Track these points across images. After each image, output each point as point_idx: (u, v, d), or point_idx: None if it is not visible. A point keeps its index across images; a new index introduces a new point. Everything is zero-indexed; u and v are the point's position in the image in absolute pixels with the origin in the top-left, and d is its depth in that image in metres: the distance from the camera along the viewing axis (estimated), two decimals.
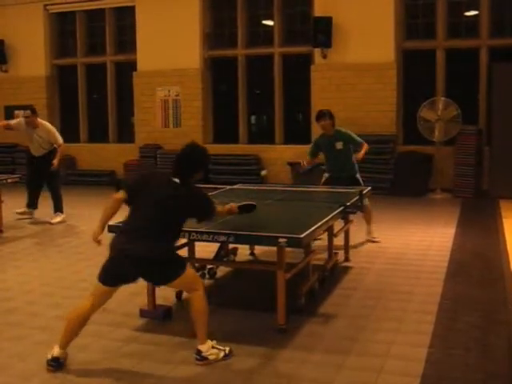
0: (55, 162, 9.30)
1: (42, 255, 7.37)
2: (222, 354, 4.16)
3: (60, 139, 9.48)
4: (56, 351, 4.03)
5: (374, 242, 7.65)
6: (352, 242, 7.16)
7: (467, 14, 12.27)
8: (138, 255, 3.96)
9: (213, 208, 4.33)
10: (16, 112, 13.94)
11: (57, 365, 4.01)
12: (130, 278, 4.13)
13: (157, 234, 4.02)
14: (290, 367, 4.05)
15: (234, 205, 4.68)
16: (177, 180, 4.14)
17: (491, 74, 11.49)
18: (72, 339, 4.08)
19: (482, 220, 9.32)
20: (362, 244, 7.61)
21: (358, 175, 7.68)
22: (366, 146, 7.57)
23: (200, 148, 4.39)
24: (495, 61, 11.63)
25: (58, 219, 9.36)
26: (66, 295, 5.68)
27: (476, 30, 11.97)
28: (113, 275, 4.07)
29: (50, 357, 4.02)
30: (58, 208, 9.48)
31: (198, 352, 4.11)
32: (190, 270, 4.23)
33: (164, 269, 4.08)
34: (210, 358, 4.11)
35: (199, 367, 4.05)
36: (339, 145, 7.56)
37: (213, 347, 4.16)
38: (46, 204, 9.57)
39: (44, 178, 9.44)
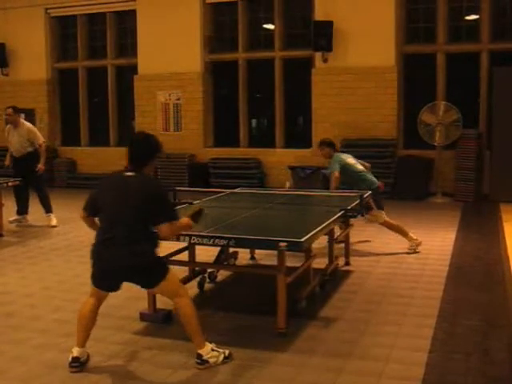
0: (41, 166, 9.30)
1: (42, 259, 7.37)
2: (222, 357, 4.14)
3: (41, 138, 9.49)
4: (75, 351, 4.07)
5: (412, 252, 7.34)
6: (352, 246, 7.15)
7: (468, 18, 12.27)
8: (119, 264, 3.95)
9: (174, 209, 4.24)
10: None
11: (78, 364, 4.04)
12: (119, 284, 4.15)
13: (132, 237, 3.94)
14: (290, 371, 4.05)
15: (185, 218, 4.23)
16: (129, 173, 4.06)
17: (492, 77, 11.50)
18: (87, 336, 4.13)
19: (483, 224, 9.31)
20: (363, 248, 7.61)
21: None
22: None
23: (150, 135, 4.31)
24: (496, 65, 11.63)
25: (55, 220, 9.36)
26: (66, 298, 5.68)
27: (477, 34, 11.98)
28: (102, 284, 4.11)
29: (70, 359, 4.04)
30: (49, 209, 9.47)
31: (199, 356, 4.09)
32: (173, 275, 4.19)
33: (148, 272, 4.04)
34: (211, 360, 4.09)
35: (199, 371, 4.05)
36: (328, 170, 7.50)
37: (212, 350, 4.14)
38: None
39: (28, 179, 9.26)
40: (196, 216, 4.23)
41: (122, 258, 3.92)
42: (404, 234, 7.46)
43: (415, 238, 7.43)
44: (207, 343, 4.15)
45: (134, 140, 4.34)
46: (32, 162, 9.29)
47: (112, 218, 4.02)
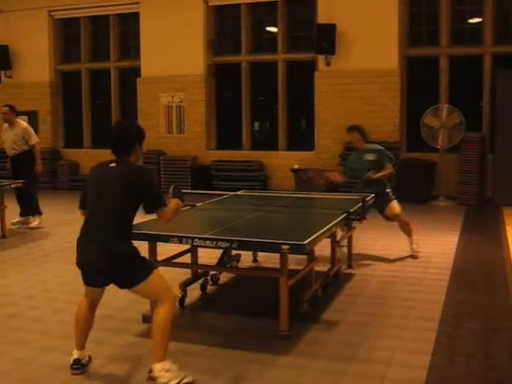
0: (38, 167, 9.33)
1: (44, 260, 7.38)
2: (175, 381, 3.72)
3: (35, 137, 9.49)
4: (75, 353, 4.03)
5: (414, 256, 7.29)
6: (355, 250, 7.15)
7: (471, 21, 12.28)
8: (93, 263, 3.79)
9: (161, 195, 4.01)
10: None
11: (80, 366, 4.01)
12: (100, 283, 3.96)
13: (116, 232, 3.77)
14: (292, 374, 4.04)
15: (173, 200, 4.16)
16: (113, 164, 3.95)
17: (495, 81, 11.50)
18: (85, 338, 4.07)
19: (486, 227, 9.30)
20: (365, 251, 7.60)
21: (388, 189, 7.33)
22: (389, 171, 7.25)
23: (131, 122, 4.26)
24: (499, 68, 11.64)
25: (36, 222, 9.36)
26: (68, 300, 5.68)
27: (480, 37, 11.98)
28: (86, 279, 3.95)
29: (71, 361, 4.02)
30: (35, 211, 9.46)
31: (151, 370, 3.79)
32: (157, 277, 3.88)
33: (123, 271, 3.77)
34: (159, 381, 3.73)
35: (201, 373, 4.04)
36: (370, 157, 7.20)
37: (167, 371, 3.74)
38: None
39: (21, 179, 9.17)
40: (177, 195, 4.19)
41: (96, 254, 3.74)
42: (408, 234, 7.42)
43: (417, 247, 7.38)
44: (166, 361, 3.78)
45: (114, 128, 4.25)
46: (26, 161, 9.32)
47: (92, 211, 3.91)
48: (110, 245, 3.74)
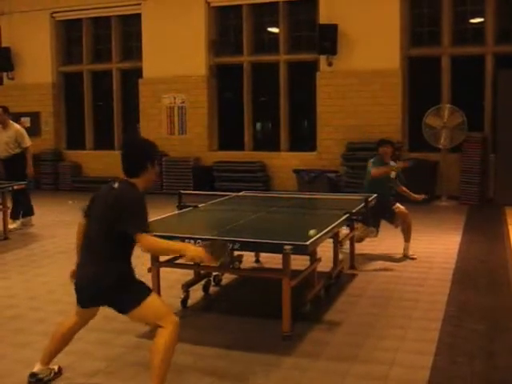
0: (29, 170, 9.29)
1: (47, 261, 7.39)
2: None
3: (28, 141, 9.45)
4: (37, 367, 3.88)
5: (411, 258, 7.30)
6: (357, 250, 7.14)
7: (473, 21, 12.27)
8: (85, 284, 3.65)
9: (142, 218, 3.57)
10: None
11: (35, 381, 3.84)
12: (88, 304, 3.79)
13: (103, 255, 3.60)
14: (294, 374, 4.04)
15: (191, 247, 3.69)
16: (116, 185, 3.67)
17: (497, 80, 11.49)
18: (54, 355, 3.92)
19: (488, 227, 9.29)
20: (367, 251, 7.60)
21: (391, 204, 7.47)
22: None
23: (143, 138, 3.89)
24: (501, 68, 11.63)
25: (15, 225, 9.28)
26: (70, 301, 5.62)
27: (481, 36, 11.97)
28: (79, 300, 3.77)
29: (29, 373, 3.87)
30: (17, 214, 9.39)
31: None
32: (153, 301, 3.63)
33: (116, 295, 3.58)
34: None
35: (204, 374, 4.04)
36: (393, 173, 7.43)
37: None
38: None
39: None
40: (215, 251, 3.61)
41: (86, 275, 3.64)
42: (407, 238, 7.43)
43: (412, 253, 7.39)
44: None
45: (124, 146, 3.98)
46: (18, 163, 9.29)
47: (87, 232, 3.76)
48: (97, 268, 3.59)
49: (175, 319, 3.59)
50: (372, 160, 7.44)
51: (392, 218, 7.37)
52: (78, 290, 3.73)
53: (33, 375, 3.86)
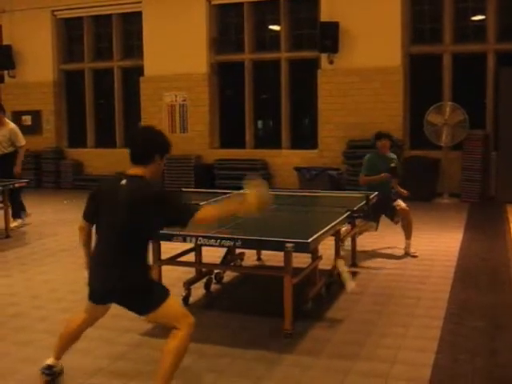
0: (17, 168, 9.25)
1: (49, 260, 7.39)
2: None
3: (22, 140, 9.40)
4: (50, 360, 3.88)
5: (413, 256, 7.31)
6: (359, 247, 7.15)
7: (474, 18, 12.26)
8: (103, 288, 3.57)
9: (184, 204, 3.62)
10: None
11: (49, 373, 3.84)
12: (105, 301, 3.73)
13: (121, 257, 3.52)
14: (297, 372, 4.05)
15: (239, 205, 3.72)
16: (123, 181, 3.56)
17: (498, 78, 11.48)
18: (65, 350, 3.91)
19: (489, 225, 9.29)
20: (369, 249, 7.61)
21: (393, 194, 7.56)
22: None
23: (158, 130, 3.77)
24: (502, 65, 11.62)
25: (16, 224, 9.26)
26: (73, 299, 5.69)
27: (483, 34, 11.95)
28: (93, 298, 3.70)
29: (44, 365, 3.85)
30: (17, 213, 9.37)
31: None
32: (172, 305, 3.60)
33: (137, 298, 3.54)
34: None
35: (206, 372, 4.05)
36: (393, 164, 7.42)
37: None
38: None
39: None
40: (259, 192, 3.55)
41: (107, 280, 3.53)
42: (408, 236, 7.43)
43: (414, 251, 7.40)
44: None
45: (137, 133, 3.90)
46: (10, 162, 9.25)
47: (103, 232, 3.63)
48: (119, 270, 3.49)
49: (192, 321, 3.56)
50: (368, 156, 7.45)
51: (392, 214, 7.37)
52: (93, 288, 3.63)
53: (48, 367, 3.85)
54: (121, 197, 3.51)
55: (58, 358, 3.90)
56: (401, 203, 7.38)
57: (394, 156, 7.61)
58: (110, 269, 3.52)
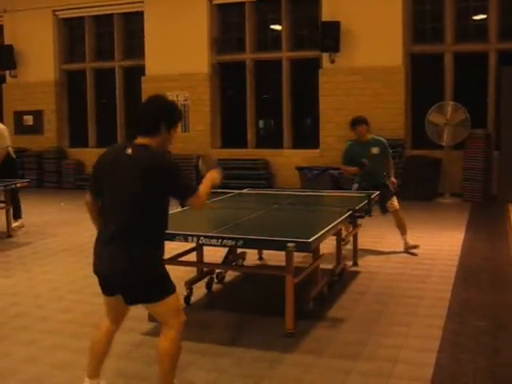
0: None
1: (50, 259, 7.40)
2: None
3: (7, 142, 9.24)
4: (86, 382, 3.57)
5: (411, 253, 7.33)
6: (361, 247, 7.15)
7: (475, 17, 12.25)
8: (108, 272, 3.33)
9: (188, 181, 3.51)
10: None
11: None
12: (116, 290, 3.42)
13: (130, 236, 3.27)
14: (298, 372, 4.05)
15: (208, 175, 3.74)
16: (130, 151, 3.35)
17: (500, 77, 11.47)
18: (100, 364, 3.61)
19: (491, 224, 9.28)
20: (370, 248, 7.60)
21: (387, 181, 7.46)
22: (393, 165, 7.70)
23: (166, 98, 3.57)
24: (504, 64, 11.60)
25: (17, 224, 9.22)
26: (75, 299, 5.70)
27: (484, 33, 11.94)
28: (103, 288, 3.48)
29: None
30: (17, 214, 9.32)
31: None
32: (174, 300, 3.44)
33: (145, 285, 3.32)
34: None
35: (207, 371, 4.05)
36: (375, 150, 7.37)
37: None
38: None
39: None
40: (208, 165, 3.82)
41: (108, 263, 3.31)
42: (403, 232, 7.45)
43: (411, 242, 7.42)
44: None
45: (145, 101, 3.54)
46: (4, 163, 9.13)
47: (108, 207, 3.39)
48: (132, 255, 3.26)
49: (183, 319, 3.47)
50: (349, 143, 7.46)
51: (384, 208, 7.34)
52: (101, 274, 3.38)
53: None
54: (130, 166, 3.30)
55: (94, 376, 3.59)
56: (393, 202, 7.35)
57: (378, 140, 7.48)
58: (121, 250, 3.27)
